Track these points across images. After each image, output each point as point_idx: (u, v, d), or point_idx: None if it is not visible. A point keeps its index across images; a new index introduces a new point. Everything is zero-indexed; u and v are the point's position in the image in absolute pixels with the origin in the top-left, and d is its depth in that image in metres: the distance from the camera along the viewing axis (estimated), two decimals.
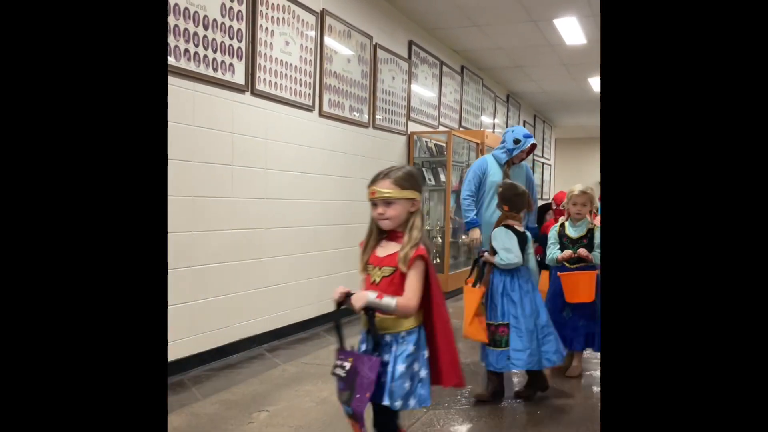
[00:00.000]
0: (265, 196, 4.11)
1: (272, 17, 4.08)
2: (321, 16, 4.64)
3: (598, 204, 3.95)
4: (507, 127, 10.18)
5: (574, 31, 6.50)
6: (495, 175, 4.03)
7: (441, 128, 7.09)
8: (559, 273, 3.48)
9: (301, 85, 4.43)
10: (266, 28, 4.03)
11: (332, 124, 4.88)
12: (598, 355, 3.80)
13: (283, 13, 4.20)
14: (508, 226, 3.05)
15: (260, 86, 3.99)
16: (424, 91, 6.67)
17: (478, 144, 7.04)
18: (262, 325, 4.15)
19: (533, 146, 4.09)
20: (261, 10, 3.97)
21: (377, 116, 5.60)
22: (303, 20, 4.42)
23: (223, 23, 3.66)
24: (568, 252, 3.44)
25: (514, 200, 3.07)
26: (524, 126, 11.14)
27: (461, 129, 7.77)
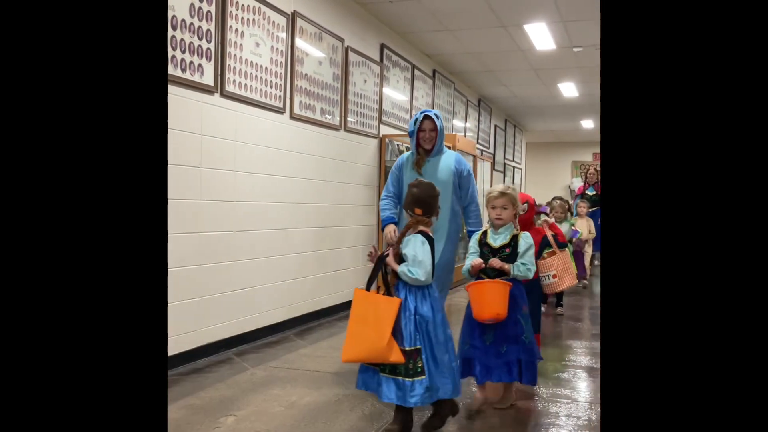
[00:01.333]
0: (234, 198, 4.08)
1: (242, 18, 4.05)
2: (292, 17, 4.62)
3: (522, 207, 3.41)
4: (479, 131, 10.25)
5: (544, 36, 6.59)
6: (409, 170, 3.46)
7: None
8: (466, 285, 2.90)
9: (271, 86, 4.40)
10: (236, 29, 3.99)
11: (303, 127, 4.85)
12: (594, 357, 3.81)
13: (254, 14, 4.17)
14: (424, 234, 2.60)
15: (230, 87, 3.95)
16: (395, 94, 6.69)
17: (449, 147, 7.07)
18: (231, 329, 4.11)
19: (428, 119, 3.35)
20: (230, 11, 3.93)
21: (349, 119, 5.59)
22: (273, 22, 4.39)
23: (191, 24, 3.62)
24: (477, 260, 2.90)
25: (431, 203, 2.64)
26: (495, 130, 11.26)
27: None
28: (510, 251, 2.90)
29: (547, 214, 4.88)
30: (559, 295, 5.78)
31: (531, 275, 2.89)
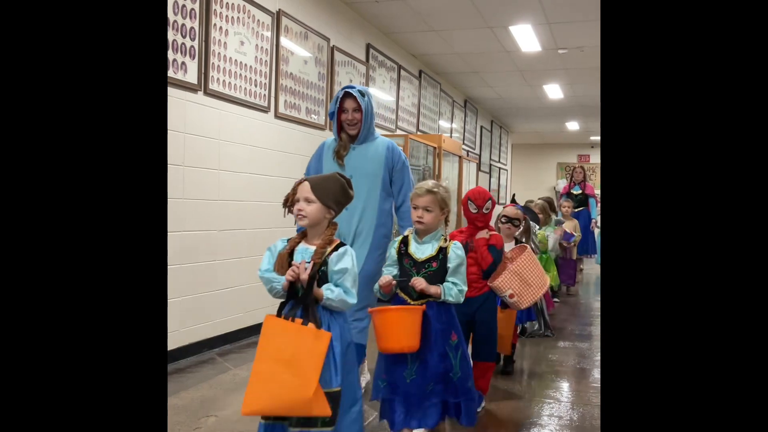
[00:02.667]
0: (217, 197, 4.05)
1: (226, 16, 4.03)
2: (277, 16, 4.60)
3: (486, 206, 2.86)
4: (465, 132, 10.27)
5: (529, 38, 6.61)
6: (329, 161, 2.91)
7: (398, 132, 7.11)
8: (369, 310, 2.28)
9: (256, 85, 4.38)
10: (220, 27, 3.97)
11: (288, 126, 4.84)
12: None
13: (238, 12, 4.15)
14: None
15: (213, 86, 3.93)
16: (381, 94, 6.68)
17: (435, 148, 7.09)
18: (214, 329, 4.08)
19: (350, 98, 2.80)
20: (215, 9, 3.91)
21: None
22: (258, 20, 4.37)
23: (175, 21, 3.59)
24: (385, 278, 2.27)
25: (343, 201, 2.07)
26: (481, 131, 11.28)
27: (419, 133, 7.81)
28: (437, 266, 2.30)
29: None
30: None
31: (462, 298, 2.31)
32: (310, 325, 1.84)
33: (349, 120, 2.84)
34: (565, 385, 3.51)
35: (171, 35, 3.57)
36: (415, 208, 2.36)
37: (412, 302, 2.29)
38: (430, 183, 2.40)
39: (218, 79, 3.97)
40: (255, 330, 4.49)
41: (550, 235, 5.15)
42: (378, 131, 6.51)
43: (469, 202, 2.91)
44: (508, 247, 3.29)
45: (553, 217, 5.87)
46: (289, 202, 2.06)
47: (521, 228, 3.57)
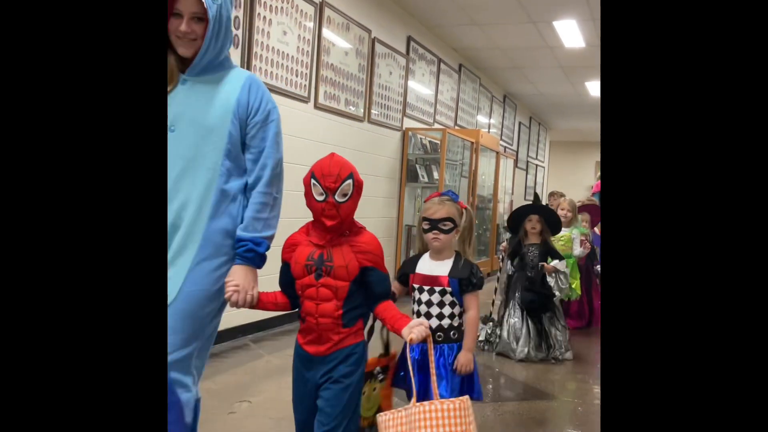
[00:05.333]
0: None
1: (270, 6, 4.05)
2: (320, 7, 4.61)
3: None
4: (502, 127, 10.16)
5: (573, 34, 6.50)
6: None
7: (436, 126, 7.08)
8: None
9: (297, 75, 4.40)
10: (264, 17, 4.00)
11: (327, 117, 4.85)
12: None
13: (282, 2, 4.17)
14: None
15: (255, 75, 3.96)
16: (420, 87, 6.66)
17: (472, 143, 7.04)
18: (248, 316, 4.12)
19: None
20: None
21: (373, 111, 5.58)
22: (301, 10, 4.39)
23: None
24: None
25: None
26: (519, 127, 11.16)
27: (456, 127, 7.77)
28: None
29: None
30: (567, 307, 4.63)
31: None
32: None
33: (181, 32, 1.59)
34: (575, 386, 3.46)
35: None
36: None
37: None
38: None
39: (260, 68, 4.00)
40: (288, 318, 4.53)
41: (576, 239, 4.51)
42: (415, 123, 6.56)
43: (312, 180, 1.78)
44: (442, 266, 2.06)
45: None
46: None
47: (458, 230, 2.09)
